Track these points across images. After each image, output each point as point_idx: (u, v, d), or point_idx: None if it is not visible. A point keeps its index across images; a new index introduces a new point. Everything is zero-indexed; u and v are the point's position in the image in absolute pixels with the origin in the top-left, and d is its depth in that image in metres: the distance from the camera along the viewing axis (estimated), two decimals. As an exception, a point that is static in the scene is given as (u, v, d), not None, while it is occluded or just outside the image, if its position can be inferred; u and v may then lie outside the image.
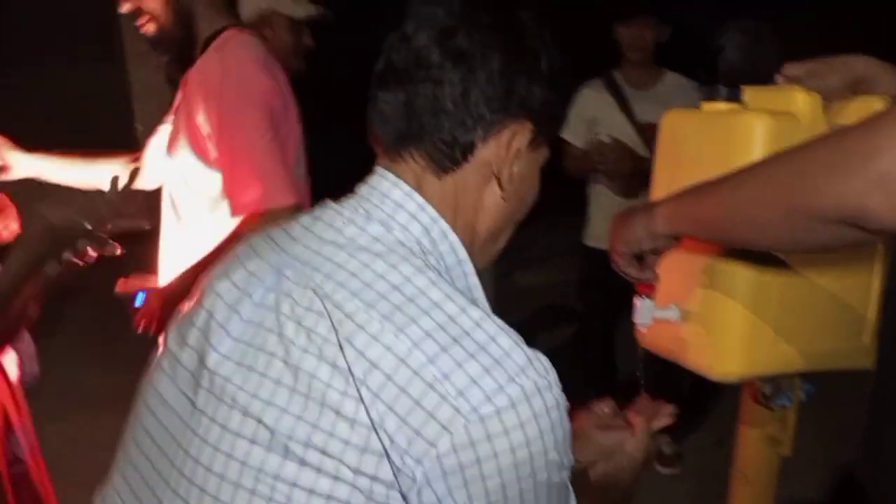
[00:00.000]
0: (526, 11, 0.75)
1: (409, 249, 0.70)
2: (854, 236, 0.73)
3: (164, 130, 1.80)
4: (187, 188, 1.64)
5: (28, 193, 1.62)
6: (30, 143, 1.77)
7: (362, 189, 0.77)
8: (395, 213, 0.73)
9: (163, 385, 0.76)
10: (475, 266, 0.76)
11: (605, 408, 1.00)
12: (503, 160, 0.75)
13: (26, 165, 1.75)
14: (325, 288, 0.67)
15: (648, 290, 1.12)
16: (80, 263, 1.20)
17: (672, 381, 2.76)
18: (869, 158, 0.68)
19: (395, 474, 0.61)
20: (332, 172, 1.73)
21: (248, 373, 0.67)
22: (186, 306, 0.80)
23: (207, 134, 1.55)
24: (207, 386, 0.69)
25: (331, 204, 0.77)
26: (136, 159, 1.84)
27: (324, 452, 0.62)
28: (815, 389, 1.20)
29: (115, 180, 1.32)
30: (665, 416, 0.99)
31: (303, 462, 0.63)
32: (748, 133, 1.00)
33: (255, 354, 0.68)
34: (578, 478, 0.76)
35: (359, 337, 0.64)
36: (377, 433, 0.61)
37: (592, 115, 2.71)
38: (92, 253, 1.21)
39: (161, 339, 0.85)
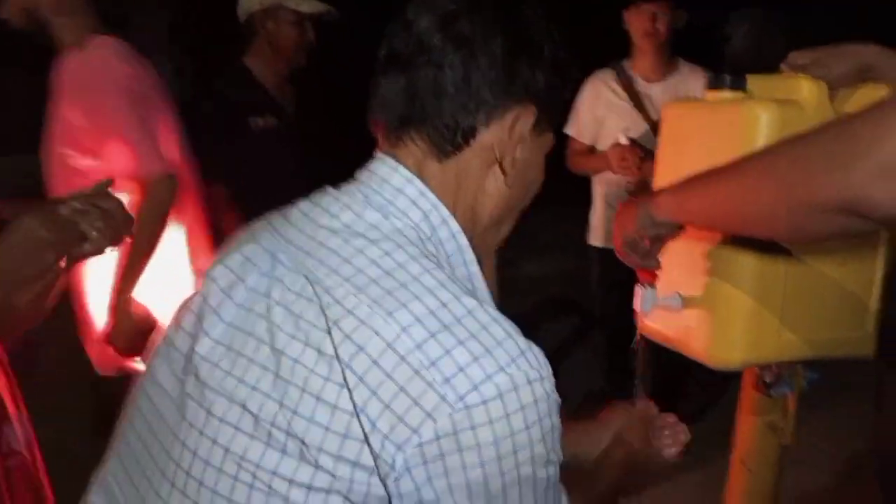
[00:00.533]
0: None
1: (407, 238, 0.69)
2: (857, 225, 0.73)
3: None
4: (67, 183, 1.70)
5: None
6: None
7: (362, 174, 0.76)
8: (395, 198, 0.72)
9: (159, 369, 0.75)
10: (477, 254, 0.75)
11: (649, 409, 1.01)
12: (506, 145, 0.74)
13: None
14: (316, 273, 0.67)
15: (651, 278, 1.12)
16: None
17: (671, 372, 2.75)
18: (871, 147, 0.67)
19: (374, 460, 0.61)
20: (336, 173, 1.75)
21: (236, 358, 0.67)
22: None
23: (80, 125, 1.65)
24: (197, 370, 0.69)
25: (330, 189, 0.76)
26: None
27: (303, 441, 0.62)
28: (820, 378, 1.20)
29: None
30: (678, 436, 1.00)
31: (284, 450, 0.62)
32: (752, 122, 0.99)
33: (245, 340, 0.67)
34: (573, 469, 0.76)
35: (346, 321, 0.63)
36: (359, 418, 0.60)
37: (602, 111, 2.54)
38: None
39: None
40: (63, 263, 1.10)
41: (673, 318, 1.13)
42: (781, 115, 0.98)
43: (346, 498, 0.62)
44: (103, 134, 1.65)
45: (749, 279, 1.03)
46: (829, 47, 1.08)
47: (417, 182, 0.73)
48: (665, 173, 1.15)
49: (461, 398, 0.59)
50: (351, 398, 0.61)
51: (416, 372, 0.60)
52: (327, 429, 0.61)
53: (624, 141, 2.38)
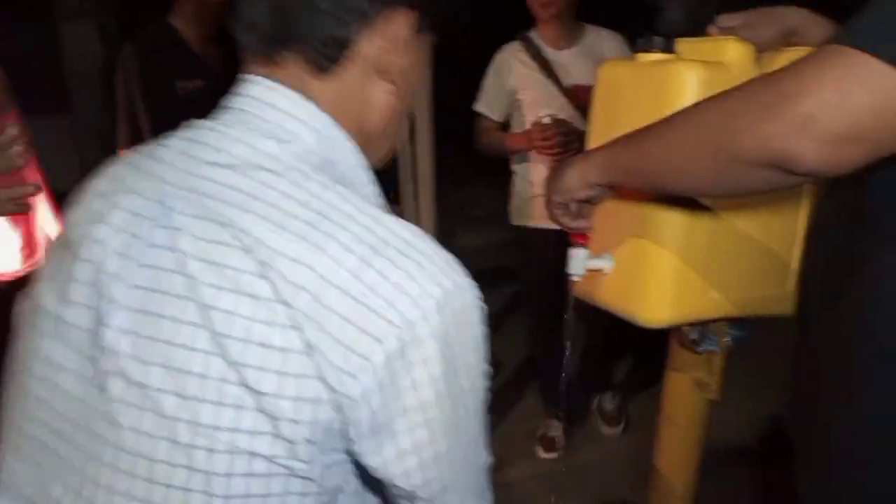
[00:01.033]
0: None
1: (310, 164, 0.67)
2: (779, 180, 0.74)
3: None
4: None
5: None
6: None
7: (238, 101, 0.71)
8: (285, 122, 0.68)
9: (50, 349, 0.68)
10: (371, 167, 0.74)
11: None
12: (387, 53, 0.71)
13: None
14: (226, 214, 0.62)
15: (583, 239, 1.13)
16: None
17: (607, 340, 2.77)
18: (793, 101, 0.69)
19: (333, 394, 0.60)
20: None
21: (158, 321, 0.62)
22: (42, 261, 0.72)
23: None
24: (113, 344, 0.63)
25: (202, 123, 0.71)
26: None
27: (258, 391, 0.59)
28: (744, 336, 1.23)
29: None
30: None
31: (240, 405, 0.60)
32: (680, 82, 1.00)
33: (162, 301, 0.62)
34: None
35: (277, 262, 0.60)
36: (311, 357, 0.59)
37: (512, 84, 2.45)
38: None
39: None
40: None
41: (604, 279, 1.14)
42: (708, 76, 0.99)
43: (310, 441, 0.61)
44: None
45: (676, 239, 1.05)
46: (757, 10, 1.10)
47: (306, 102, 0.69)
48: (598, 135, 1.16)
49: (403, 315, 0.60)
50: (300, 338, 0.59)
51: (357, 300, 0.60)
52: (281, 373, 0.59)
53: (547, 120, 2.33)
